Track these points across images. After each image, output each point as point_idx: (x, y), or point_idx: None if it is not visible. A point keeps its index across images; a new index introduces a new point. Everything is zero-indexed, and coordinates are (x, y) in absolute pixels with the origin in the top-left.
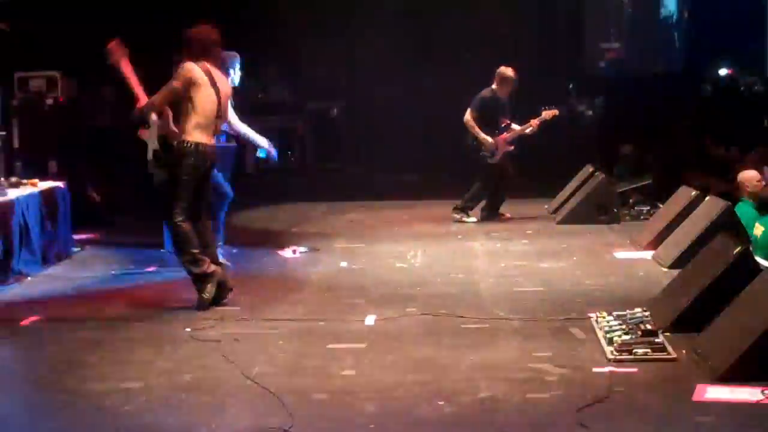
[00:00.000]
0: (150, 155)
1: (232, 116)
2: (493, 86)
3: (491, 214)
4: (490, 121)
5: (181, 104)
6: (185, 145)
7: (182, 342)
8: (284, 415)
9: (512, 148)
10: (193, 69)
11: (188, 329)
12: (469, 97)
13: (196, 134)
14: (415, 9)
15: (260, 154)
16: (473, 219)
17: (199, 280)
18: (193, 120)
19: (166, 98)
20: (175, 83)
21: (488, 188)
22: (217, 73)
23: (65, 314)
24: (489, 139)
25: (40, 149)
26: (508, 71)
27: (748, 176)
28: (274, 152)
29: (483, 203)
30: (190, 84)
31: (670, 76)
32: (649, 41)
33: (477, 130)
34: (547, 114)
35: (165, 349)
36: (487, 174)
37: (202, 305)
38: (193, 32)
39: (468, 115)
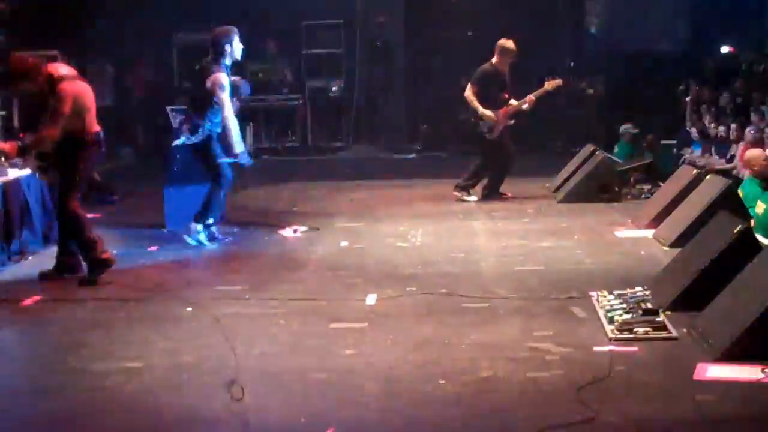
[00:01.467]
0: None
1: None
2: (494, 60)
3: (492, 194)
4: (491, 95)
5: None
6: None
7: (183, 321)
8: (286, 394)
9: (512, 122)
10: None
11: (189, 308)
12: (468, 74)
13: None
14: None
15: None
16: (474, 198)
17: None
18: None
19: None
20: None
21: (489, 166)
22: None
23: (66, 294)
24: (488, 113)
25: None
26: (508, 43)
27: (755, 155)
28: (245, 160)
29: (484, 182)
30: None
31: (672, 54)
32: (652, 19)
33: (477, 104)
34: (550, 84)
35: (166, 328)
36: (487, 151)
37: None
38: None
39: (468, 90)
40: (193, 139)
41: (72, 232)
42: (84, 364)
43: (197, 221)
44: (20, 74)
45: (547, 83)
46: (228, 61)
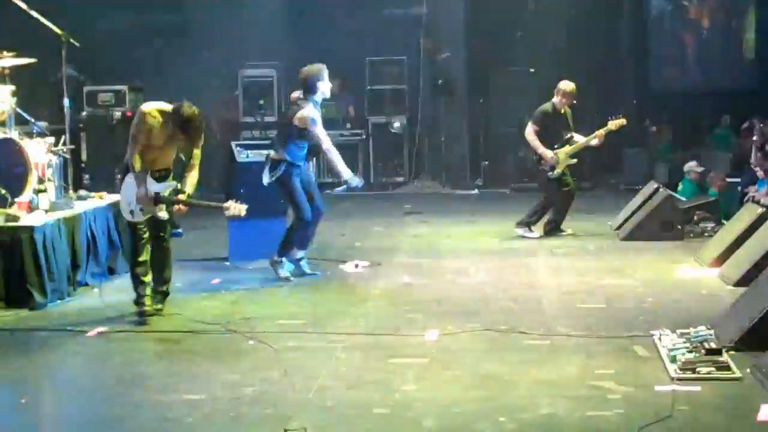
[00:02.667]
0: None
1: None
2: (554, 100)
3: (554, 230)
4: (551, 134)
5: None
6: None
7: (244, 354)
8: (345, 428)
9: (575, 161)
10: None
11: (251, 342)
12: (529, 111)
13: None
14: (478, 27)
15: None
16: (536, 234)
17: None
18: None
19: None
20: None
21: (551, 203)
22: None
23: (130, 326)
24: (549, 152)
25: (108, 162)
26: (568, 85)
27: None
28: (355, 183)
29: (547, 218)
30: None
31: (740, 93)
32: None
33: (537, 143)
34: (614, 124)
35: (228, 361)
36: (549, 188)
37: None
38: None
39: (528, 129)
40: (274, 175)
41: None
42: (146, 396)
43: (279, 255)
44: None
45: (610, 122)
46: (318, 98)
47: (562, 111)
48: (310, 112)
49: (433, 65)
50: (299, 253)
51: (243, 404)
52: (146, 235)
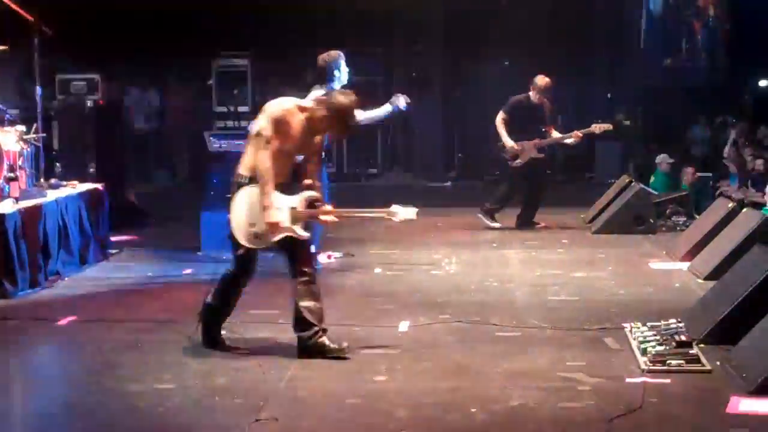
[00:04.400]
0: None
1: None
2: (530, 93)
3: (525, 223)
4: (520, 125)
5: None
6: None
7: (217, 345)
8: (316, 419)
9: (542, 156)
10: None
11: (223, 332)
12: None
13: None
14: (454, 20)
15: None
16: (497, 224)
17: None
18: None
19: None
20: None
21: (511, 193)
22: None
23: (102, 315)
24: (510, 142)
25: (80, 151)
26: (542, 80)
27: None
28: (401, 103)
29: (518, 212)
30: None
31: (711, 88)
32: (691, 52)
33: (503, 131)
34: (597, 128)
35: (200, 351)
36: (512, 179)
37: None
38: None
39: (498, 116)
40: None
41: None
42: (117, 385)
43: None
44: None
45: (594, 126)
46: (337, 85)
47: (538, 104)
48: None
49: (408, 57)
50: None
51: (214, 394)
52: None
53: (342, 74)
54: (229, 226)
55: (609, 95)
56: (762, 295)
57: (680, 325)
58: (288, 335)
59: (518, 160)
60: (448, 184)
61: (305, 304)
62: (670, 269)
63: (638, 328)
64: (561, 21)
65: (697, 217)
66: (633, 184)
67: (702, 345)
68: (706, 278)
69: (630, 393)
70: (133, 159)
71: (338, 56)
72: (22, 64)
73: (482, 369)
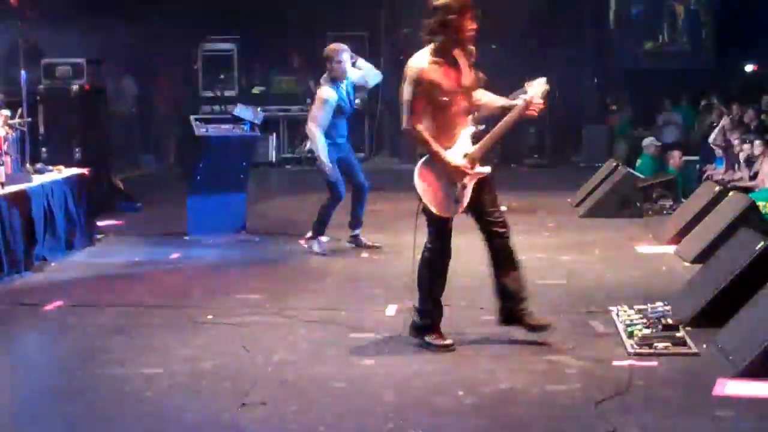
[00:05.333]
0: None
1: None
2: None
3: None
4: None
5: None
6: None
7: (204, 329)
8: (304, 402)
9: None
10: None
11: (210, 316)
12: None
13: None
14: None
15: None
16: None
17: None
18: None
19: None
20: None
21: None
22: None
23: (88, 300)
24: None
25: (66, 136)
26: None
27: None
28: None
29: None
30: None
31: (698, 71)
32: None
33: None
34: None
35: (186, 335)
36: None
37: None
38: None
39: None
40: (310, 153)
41: None
42: (104, 370)
43: (313, 232)
44: None
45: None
46: (334, 77)
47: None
48: (322, 93)
49: (395, 41)
50: (355, 231)
51: (201, 378)
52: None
53: (338, 67)
54: (424, 205)
55: (595, 79)
56: (748, 279)
57: (667, 308)
58: (275, 319)
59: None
60: None
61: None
62: (657, 253)
63: (625, 311)
64: (547, 4)
65: (684, 200)
66: (620, 167)
67: (688, 328)
68: (693, 261)
69: (617, 376)
70: (120, 143)
71: (335, 49)
72: (6, 49)
73: (469, 352)
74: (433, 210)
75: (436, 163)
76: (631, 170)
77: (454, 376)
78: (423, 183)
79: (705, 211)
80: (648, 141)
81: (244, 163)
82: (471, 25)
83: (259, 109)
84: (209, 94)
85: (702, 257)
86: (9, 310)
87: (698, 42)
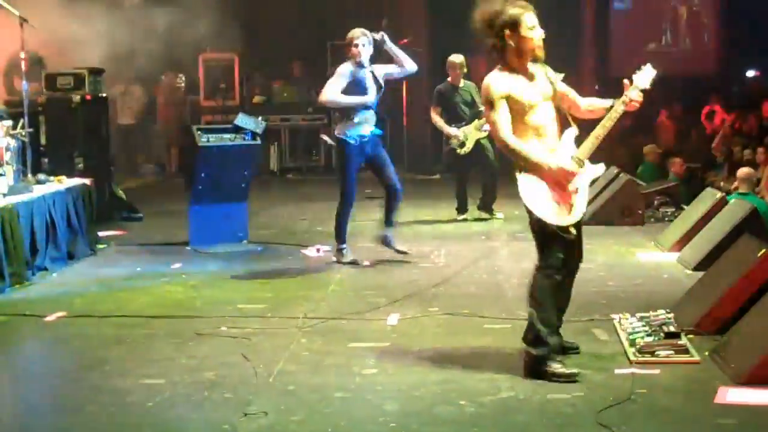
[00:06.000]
0: None
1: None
2: (449, 78)
3: (485, 213)
4: (451, 111)
5: None
6: None
7: (205, 339)
8: (306, 412)
9: (486, 133)
10: None
11: (211, 326)
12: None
13: None
14: (441, 12)
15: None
16: (462, 217)
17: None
18: None
19: None
20: None
21: (461, 182)
22: None
23: (90, 310)
24: (453, 130)
25: (67, 146)
26: (452, 58)
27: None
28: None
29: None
30: None
31: (700, 78)
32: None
33: (441, 122)
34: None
35: (188, 345)
36: (458, 167)
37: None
38: None
39: (432, 112)
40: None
41: None
42: (106, 381)
43: (339, 242)
44: None
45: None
46: (355, 61)
47: (461, 86)
48: (339, 68)
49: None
50: (387, 231)
51: (203, 388)
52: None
53: (353, 52)
54: (537, 221)
55: (596, 87)
56: (749, 286)
57: (669, 315)
58: (277, 328)
59: (467, 147)
60: (437, 176)
61: None
62: (659, 260)
63: (627, 319)
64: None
65: (686, 207)
66: (621, 175)
67: (691, 336)
68: (695, 269)
69: (619, 384)
70: (121, 153)
71: (353, 34)
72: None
73: (471, 361)
74: (551, 222)
75: (540, 172)
76: (633, 177)
77: (455, 385)
78: (532, 196)
79: (707, 218)
80: (649, 148)
81: (246, 173)
82: (531, 35)
83: (260, 118)
84: (211, 103)
85: (704, 264)
86: (10, 320)
87: (700, 47)
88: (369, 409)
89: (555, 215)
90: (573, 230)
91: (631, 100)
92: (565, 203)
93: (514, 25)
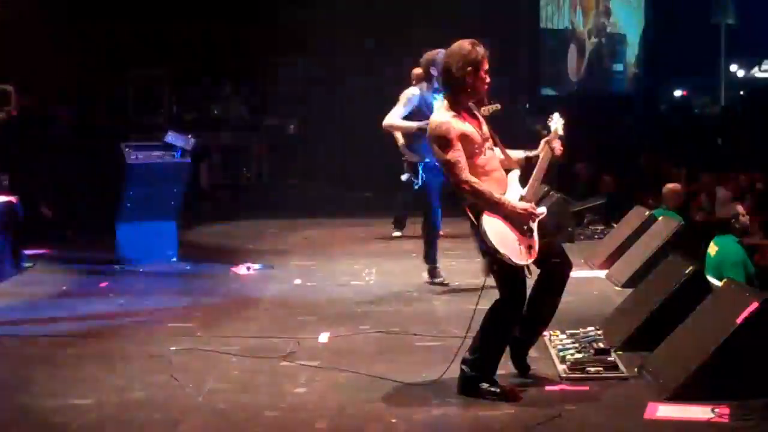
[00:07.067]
0: None
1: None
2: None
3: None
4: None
5: None
6: None
7: (134, 359)
8: None
9: None
10: None
11: (140, 345)
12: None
13: None
14: (373, 27)
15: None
16: (397, 233)
17: None
18: None
19: None
20: None
21: (406, 196)
22: None
23: (15, 330)
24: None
25: None
26: (416, 70)
27: (669, 188)
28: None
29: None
30: None
31: (627, 97)
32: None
33: (397, 133)
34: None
35: (116, 365)
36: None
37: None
38: None
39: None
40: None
41: None
42: (32, 401)
43: (432, 261)
44: None
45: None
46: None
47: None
48: (407, 90)
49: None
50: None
51: (131, 409)
52: None
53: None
54: (497, 259)
55: (527, 105)
56: (677, 303)
57: (598, 332)
58: (207, 347)
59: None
60: (368, 194)
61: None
62: (589, 277)
63: (557, 336)
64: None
65: (615, 225)
66: (552, 193)
67: (620, 352)
68: (624, 286)
69: (549, 400)
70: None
71: (435, 55)
72: None
73: (403, 379)
74: (516, 260)
75: (498, 213)
76: (564, 195)
77: (386, 403)
78: (497, 236)
79: (636, 235)
80: (579, 167)
81: (176, 190)
82: (486, 78)
83: (190, 135)
84: (140, 121)
85: (633, 281)
86: None
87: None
88: (300, 428)
89: (519, 254)
90: (530, 272)
91: (557, 149)
92: (523, 244)
93: (479, 64)
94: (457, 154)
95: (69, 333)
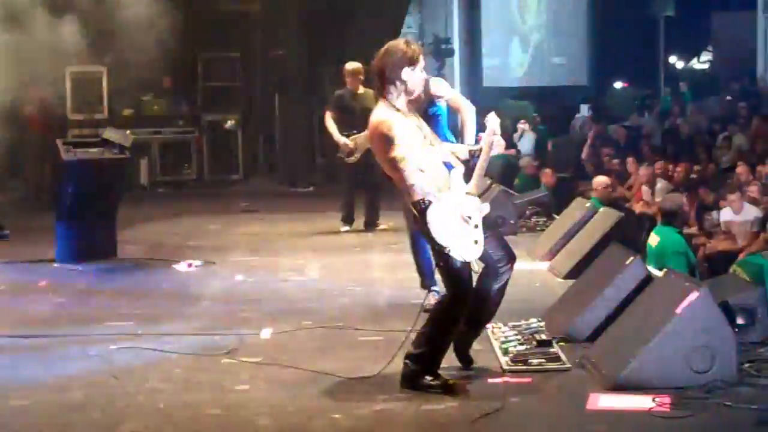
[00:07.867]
0: None
1: None
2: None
3: (369, 226)
4: (347, 118)
5: None
6: None
7: (73, 358)
8: (178, 430)
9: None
10: None
11: (78, 345)
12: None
13: None
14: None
15: None
16: (345, 228)
17: None
18: None
19: None
20: None
21: (349, 191)
22: None
23: None
24: (342, 138)
25: None
26: (347, 65)
27: (599, 180)
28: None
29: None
30: None
31: (571, 88)
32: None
33: (332, 129)
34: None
35: (55, 365)
36: (346, 175)
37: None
38: None
39: (326, 115)
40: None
41: None
42: None
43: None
44: None
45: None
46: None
47: (359, 93)
48: None
49: (269, 61)
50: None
51: (71, 409)
52: None
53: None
54: (444, 254)
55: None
56: (618, 294)
57: (541, 324)
58: (147, 345)
59: (355, 155)
60: (311, 188)
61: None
62: (531, 269)
63: (500, 328)
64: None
65: (556, 217)
66: (494, 185)
67: (562, 343)
68: (566, 277)
69: (492, 393)
70: None
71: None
72: None
73: (346, 374)
74: (463, 256)
75: (444, 208)
76: (506, 188)
77: (329, 399)
78: (443, 231)
79: (577, 227)
80: (525, 161)
81: (115, 187)
82: (422, 76)
83: (129, 131)
84: (78, 117)
85: (574, 273)
86: None
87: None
88: (243, 425)
89: (466, 250)
90: (475, 265)
91: (495, 144)
92: (469, 239)
93: (415, 62)
94: (402, 150)
95: (7, 333)
